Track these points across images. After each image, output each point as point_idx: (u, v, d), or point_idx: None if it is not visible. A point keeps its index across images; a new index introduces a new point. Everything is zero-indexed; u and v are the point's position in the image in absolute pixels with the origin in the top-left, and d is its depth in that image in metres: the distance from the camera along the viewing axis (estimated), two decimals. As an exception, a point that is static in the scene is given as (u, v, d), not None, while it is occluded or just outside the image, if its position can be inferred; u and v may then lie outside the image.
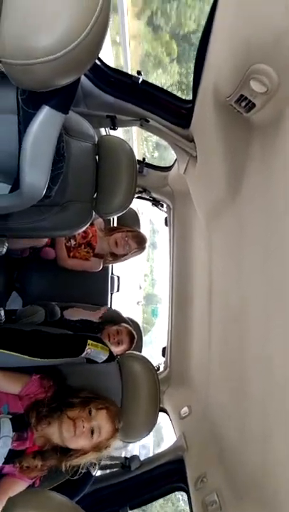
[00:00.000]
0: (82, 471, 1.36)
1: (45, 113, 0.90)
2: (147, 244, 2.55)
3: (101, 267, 2.45)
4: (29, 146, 0.93)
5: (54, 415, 1.31)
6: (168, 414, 2.30)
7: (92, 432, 1.30)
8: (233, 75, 1.02)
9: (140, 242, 2.44)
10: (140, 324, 2.70)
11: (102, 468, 1.72)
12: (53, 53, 0.69)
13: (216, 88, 1.22)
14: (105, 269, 2.70)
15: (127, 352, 1.82)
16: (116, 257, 2.47)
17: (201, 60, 1.36)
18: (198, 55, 1.37)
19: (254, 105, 1.06)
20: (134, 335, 2.33)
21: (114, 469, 1.81)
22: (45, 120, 0.91)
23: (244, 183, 1.40)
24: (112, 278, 2.80)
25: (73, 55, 0.70)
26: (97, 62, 1.77)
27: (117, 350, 2.23)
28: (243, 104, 1.09)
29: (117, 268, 2.90)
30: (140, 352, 2.56)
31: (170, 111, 1.78)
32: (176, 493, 1.74)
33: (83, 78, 1.82)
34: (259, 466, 1.22)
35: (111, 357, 1.57)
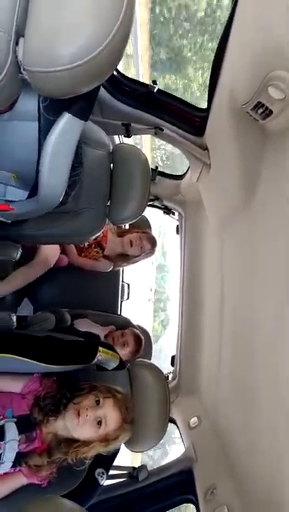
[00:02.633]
0: (84, 466, 1.34)
1: (65, 120, 0.92)
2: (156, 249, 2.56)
3: (111, 268, 2.46)
4: (49, 152, 0.94)
5: (60, 406, 1.30)
6: (176, 425, 2.27)
7: (99, 423, 1.27)
8: (251, 81, 1.03)
9: (153, 244, 2.46)
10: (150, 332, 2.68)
11: (109, 478, 1.70)
12: (75, 61, 0.70)
13: (232, 95, 1.23)
14: (116, 277, 2.71)
15: (137, 360, 1.81)
16: (126, 259, 2.47)
17: (217, 68, 1.37)
18: (215, 64, 1.38)
19: (271, 112, 1.07)
20: (140, 337, 2.32)
21: (122, 479, 1.79)
22: (66, 127, 0.92)
23: (258, 191, 1.40)
24: (123, 286, 2.80)
25: (95, 63, 0.71)
26: (113, 71, 1.80)
27: (122, 352, 2.19)
28: (260, 111, 1.10)
29: (128, 276, 2.91)
30: (150, 360, 2.54)
31: (184, 120, 1.80)
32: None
33: (99, 87, 1.85)
34: (270, 481, 1.20)
35: (121, 365, 1.56)
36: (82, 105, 0.91)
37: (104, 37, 0.69)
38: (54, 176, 0.98)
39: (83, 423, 1.26)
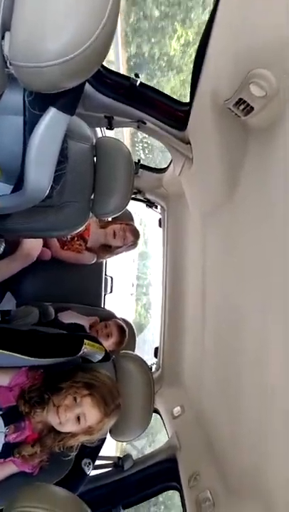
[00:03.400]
0: (74, 453, 1.38)
1: (51, 115, 0.91)
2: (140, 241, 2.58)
3: (94, 260, 2.46)
4: (35, 147, 0.93)
5: (44, 400, 1.32)
6: (160, 415, 2.31)
7: (79, 419, 1.30)
8: (233, 78, 1.05)
9: (136, 236, 2.47)
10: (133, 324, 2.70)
11: (95, 468, 1.72)
12: (63, 56, 0.70)
13: (214, 91, 1.24)
14: (99, 270, 2.71)
15: (121, 352, 1.83)
16: (109, 250, 2.48)
17: (199, 63, 1.38)
18: (197, 59, 1.39)
19: (252, 109, 1.09)
20: (124, 328, 2.34)
21: (108, 469, 1.82)
22: (52, 122, 0.92)
23: (240, 185, 1.43)
24: (106, 279, 2.80)
25: (82, 58, 0.71)
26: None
27: (107, 344, 2.22)
28: (242, 107, 1.12)
29: (110, 269, 2.91)
30: (134, 351, 2.57)
31: (167, 113, 1.80)
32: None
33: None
34: (252, 464, 1.24)
35: (106, 357, 1.58)
36: (68, 100, 0.91)
37: (92, 32, 0.70)
38: (40, 171, 0.98)
39: (64, 422, 1.29)
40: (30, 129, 0.92)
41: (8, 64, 0.74)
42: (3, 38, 0.72)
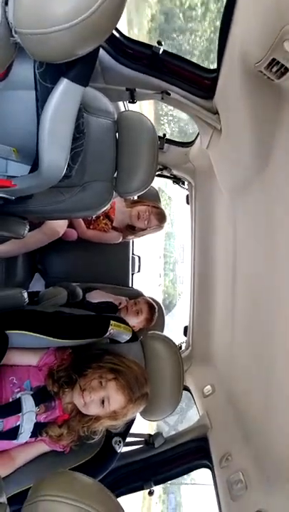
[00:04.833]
0: (97, 437, 1.38)
1: (63, 86, 0.86)
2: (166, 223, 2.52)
3: (120, 239, 2.44)
4: (48, 121, 0.88)
5: (72, 381, 1.33)
6: (191, 393, 2.31)
7: (103, 402, 1.30)
8: (264, 37, 0.95)
9: (161, 220, 2.42)
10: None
11: (126, 445, 1.75)
12: (70, 20, 0.64)
13: (243, 54, 1.14)
14: (126, 249, 2.69)
15: (149, 332, 1.82)
16: (134, 231, 2.45)
17: (226, 26, 1.28)
18: (224, 21, 1.28)
19: (287, 70, 0.99)
20: (153, 304, 2.34)
21: (139, 446, 1.84)
22: (64, 93, 0.86)
23: (273, 156, 1.33)
24: (133, 258, 2.78)
25: (91, 22, 0.65)
26: (115, 32, 1.69)
27: (137, 321, 2.23)
28: (275, 69, 1.02)
29: (138, 248, 2.88)
30: (162, 331, 2.56)
31: (193, 82, 1.70)
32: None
33: (100, 50, 1.75)
34: (284, 445, 1.21)
35: (134, 337, 1.56)
36: (81, 70, 0.84)
37: None
38: (55, 148, 0.94)
39: (88, 403, 1.29)
40: (43, 103, 0.88)
41: (13, 32, 0.68)
42: (6, 3, 0.66)
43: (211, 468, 1.59)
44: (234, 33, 1.24)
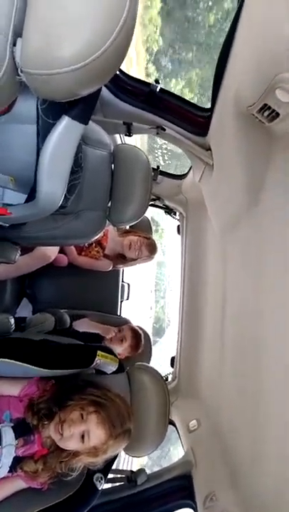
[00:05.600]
0: (75, 474, 1.31)
1: (65, 123, 0.88)
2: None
3: (111, 267, 2.44)
4: (48, 156, 0.91)
5: (52, 414, 1.27)
6: (176, 427, 2.25)
7: (83, 437, 1.24)
8: (258, 83, 0.99)
9: (151, 251, 2.44)
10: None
11: (107, 481, 1.68)
12: (76, 63, 0.67)
13: (237, 97, 1.19)
14: (116, 277, 2.69)
15: (136, 364, 1.79)
16: (124, 260, 2.46)
17: (221, 68, 1.34)
18: (219, 64, 1.34)
19: (278, 115, 1.03)
20: (138, 332, 2.32)
21: (120, 483, 1.77)
22: (65, 130, 0.89)
23: (263, 194, 1.37)
24: (123, 286, 2.77)
25: (97, 65, 0.68)
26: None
27: (121, 348, 2.20)
28: (266, 113, 1.07)
29: (128, 276, 2.88)
30: (149, 361, 2.53)
31: (187, 120, 1.76)
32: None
33: (101, 86, 1.82)
34: (273, 490, 1.17)
35: (120, 368, 1.54)
36: (83, 108, 0.88)
37: (107, 36, 0.66)
38: (53, 181, 0.95)
39: (67, 437, 1.23)
40: (44, 138, 0.90)
41: (19, 71, 0.71)
42: (14, 44, 0.69)
43: (194, 509, 1.54)
44: (229, 76, 1.30)
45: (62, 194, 1.01)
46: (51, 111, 0.88)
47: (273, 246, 1.31)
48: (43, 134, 0.91)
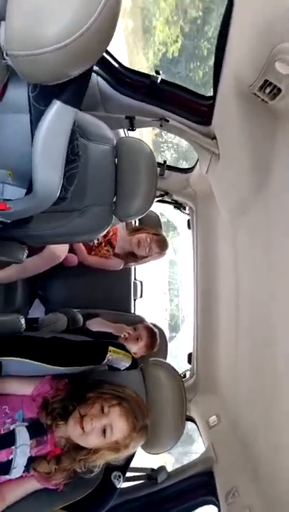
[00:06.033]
0: (96, 471, 1.27)
1: (56, 108, 0.87)
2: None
3: (122, 266, 2.42)
4: (40, 141, 0.89)
5: (68, 412, 1.24)
6: (196, 423, 2.21)
7: (105, 431, 1.20)
8: (256, 58, 0.96)
9: (162, 247, 2.40)
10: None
11: (127, 480, 1.66)
12: (61, 41, 0.65)
13: (237, 78, 1.16)
14: (128, 275, 2.67)
15: (150, 359, 1.76)
16: (135, 258, 2.43)
17: (220, 54, 1.31)
18: (218, 48, 1.31)
19: (280, 90, 1.00)
20: (153, 330, 2.28)
21: (141, 481, 1.74)
22: (57, 115, 0.87)
23: (270, 178, 1.33)
24: (135, 284, 2.75)
25: (82, 42, 0.66)
26: (114, 63, 1.75)
27: (136, 348, 2.17)
28: (268, 90, 1.04)
29: (140, 274, 2.86)
30: (165, 358, 2.49)
31: (190, 109, 1.74)
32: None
33: (101, 81, 1.81)
34: None
35: (134, 364, 1.52)
36: (73, 92, 0.86)
37: (91, 13, 0.64)
38: (47, 166, 0.94)
39: (88, 432, 1.19)
40: (37, 125, 0.89)
41: (4, 54, 0.70)
42: (-2, 27, 0.68)
43: (217, 506, 1.50)
44: (228, 59, 1.27)
45: (59, 182, 1.00)
46: (42, 97, 0.87)
47: (282, 231, 1.27)
48: (35, 121, 0.89)
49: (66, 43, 0.65)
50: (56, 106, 0.87)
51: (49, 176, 0.96)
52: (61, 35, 0.65)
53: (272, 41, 0.88)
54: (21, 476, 1.24)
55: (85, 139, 1.44)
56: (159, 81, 1.72)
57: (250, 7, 0.98)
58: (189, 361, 2.68)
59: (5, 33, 0.68)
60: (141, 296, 2.82)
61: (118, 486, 1.43)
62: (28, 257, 1.58)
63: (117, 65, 1.76)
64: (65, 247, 2.17)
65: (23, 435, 1.21)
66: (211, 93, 1.57)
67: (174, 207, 2.77)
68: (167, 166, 2.50)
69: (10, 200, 0.97)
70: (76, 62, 0.71)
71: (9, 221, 1.07)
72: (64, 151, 0.95)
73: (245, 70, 1.07)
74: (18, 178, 0.98)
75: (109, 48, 1.32)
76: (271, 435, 1.37)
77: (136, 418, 1.25)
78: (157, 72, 1.73)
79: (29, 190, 0.99)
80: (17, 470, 1.20)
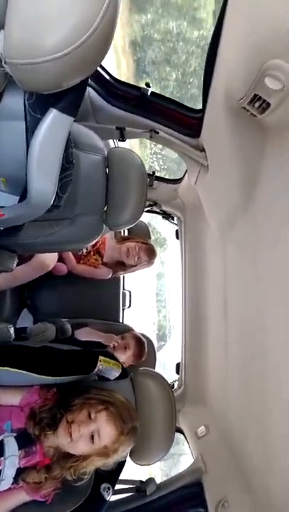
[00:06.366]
0: (86, 478, 1.26)
1: (52, 116, 0.88)
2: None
3: (110, 275, 2.41)
4: (36, 149, 0.90)
5: (57, 421, 1.23)
6: (184, 435, 2.20)
7: (93, 437, 1.20)
8: (246, 73, 0.99)
9: (150, 256, 2.41)
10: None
11: (116, 492, 1.63)
12: (60, 51, 0.67)
13: (227, 91, 1.19)
14: (117, 284, 2.66)
15: (140, 369, 1.75)
16: (124, 267, 2.44)
17: (210, 67, 1.34)
18: (208, 62, 1.35)
19: (268, 105, 1.03)
20: (141, 339, 2.28)
21: (129, 494, 1.72)
22: (53, 124, 0.89)
23: (259, 190, 1.36)
24: (124, 293, 2.75)
25: (81, 53, 0.68)
26: (105, 75, 1.78)
27: (125, 356, 2.16)
28: (257, 104, 1.06)
29: (129, 284, 2.86)
30: (154, 368, 2.48)
31: (180, 122, 1.77)
32: None
33: (92, 92, 1.83)
34: (287, 492, 1.13)
35: (124, 374, 1.51)
36: (70, 100, 0.87)
37: (90, 24, 0.66)
38: (43, 175, 0.94)
39: (76, 439, 1.19)
40: (32, 133, 0.89)
41: (3, 62, 0.71)
42: (-3, 36, 0.69)
43: None
44: (218, 72, 1.30)
45: (53, 190, 1.00)
46: (38, 105, 0.88)
47: (271, 242, 1.29)
48: (31, 129, 0.90)
49: (65, 52, 0.67)
50: (52, 114, 0.88)
51: (44, 183, 0.96)
52: (60, 44, 0.66)
53: (263, 57, 0.91)
54: (10, 488, 1.21)
55: (76, 148, 1.45)
56: (149, 93, 1.75)
57: (241, 23, 1.01)
58: (177, 371, 2.68)
59: (4, 41, 0.69)
60: (129, 305, 2.82)
61: (107, 499, 1.41)
62: (17, 265, 1.57)
63: (108, 77, 1.79)
64: (54, 255, 2.16)
65: (11, 446, 1.19)
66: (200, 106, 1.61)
67: (163, 217, 2.79)
68: (156, 176, 2.53)
69: (3, 207, 0.97)
70: (74, 71, 0.73)
71: (1, 228, 1.06)
72: (60, 160, 0.96)
73: (235, 84, 1.10)
74: (11, 185, 0.98)
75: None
76: (261, 446, 1.37)
77: (123, 421, 1.25)
78: (147, 85, 1.77)
79: (23, 197, 0.99)
80: (6, 482, 1.18)
